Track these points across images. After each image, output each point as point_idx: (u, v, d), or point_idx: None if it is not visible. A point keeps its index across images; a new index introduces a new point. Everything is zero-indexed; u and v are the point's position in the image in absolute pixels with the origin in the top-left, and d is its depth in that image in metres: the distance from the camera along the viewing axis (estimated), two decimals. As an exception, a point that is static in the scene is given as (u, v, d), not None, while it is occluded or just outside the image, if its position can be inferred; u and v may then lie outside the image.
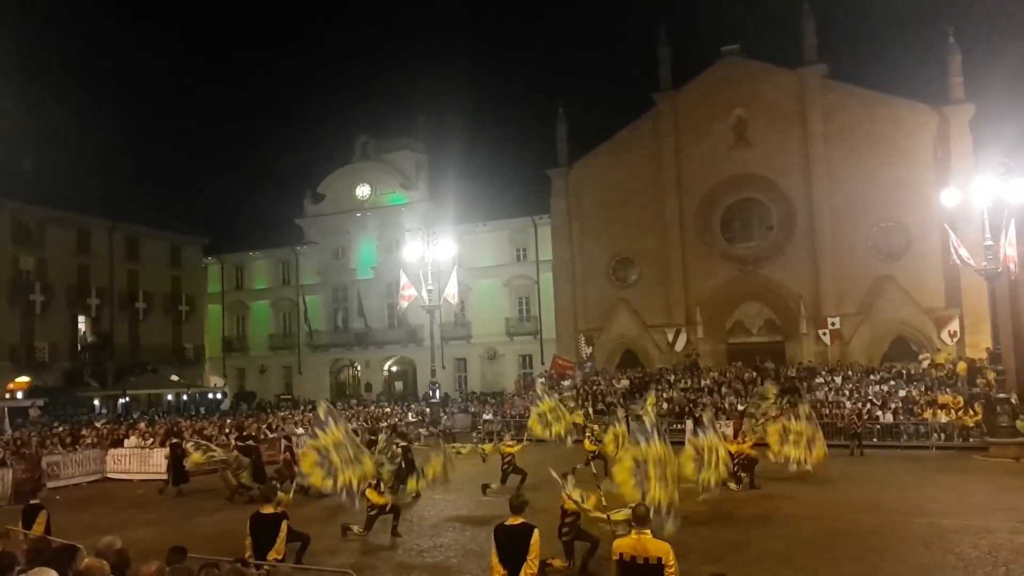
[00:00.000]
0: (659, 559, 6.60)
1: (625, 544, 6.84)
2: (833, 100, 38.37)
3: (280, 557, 9.27)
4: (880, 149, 36.90)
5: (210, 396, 52.52)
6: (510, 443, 20.16)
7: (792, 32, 39.58)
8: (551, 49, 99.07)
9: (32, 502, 11.13)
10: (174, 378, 48.56)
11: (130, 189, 58.14)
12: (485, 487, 18.36)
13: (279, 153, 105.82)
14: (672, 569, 6.58)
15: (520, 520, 7.59)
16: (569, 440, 20.67)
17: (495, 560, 7.39)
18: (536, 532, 7.44)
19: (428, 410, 36.24)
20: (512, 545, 7.36)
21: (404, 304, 36.15)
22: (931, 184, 34.57)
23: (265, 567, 8.77)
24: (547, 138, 45.72)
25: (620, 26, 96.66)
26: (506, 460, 19.49)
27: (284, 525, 9.47)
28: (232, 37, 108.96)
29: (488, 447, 20.79)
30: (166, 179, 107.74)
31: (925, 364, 33.05)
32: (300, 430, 28.95)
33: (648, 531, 6.85)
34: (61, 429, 29.01)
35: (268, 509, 9.57)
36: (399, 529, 14.18)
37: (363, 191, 53.25)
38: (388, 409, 39.13)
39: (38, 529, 10.40)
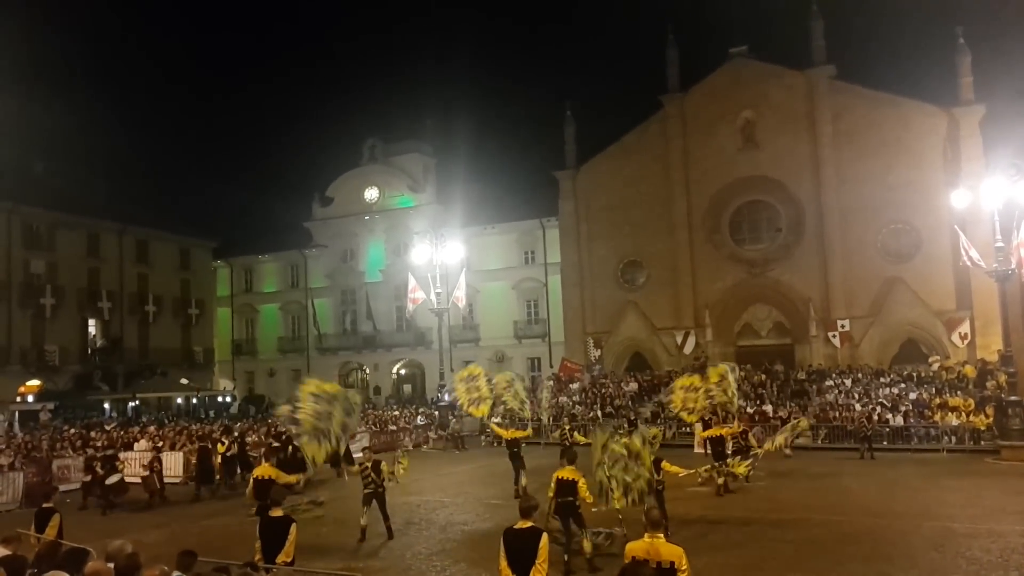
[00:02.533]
0: (672, 563, 6.62)
1: (638, 547, 6.84)
2: (842, 101, 38.25)
3: (289, 560, 9.30)
4: (889, 150, 36.76)
5: (219, 399, 52.69)
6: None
7: (800, 33, 39.55)
8: (559, 51, 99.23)
9: (45, 505, 11.21)
10: (184, 381, 48.76)
11: (139, 193, 58.60)
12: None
13: (288, 157, 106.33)
14: (685, 574, 6.59)
15: (529, 524, 7.56)
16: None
17: (504, 564, 7.34)
18: (545, 536, 7.43)
19: (436, 413, 36.25)
20: (521, 549, 7.32)
21: (412, 307, 36.21)
22: (941, 185, 34.42)
23: (274, 570, 8.80)
24: (555, 140, 45.83)
25: (627, 28, 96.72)
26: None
27: (293, 529, 9.50)
28: (242, 42, 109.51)
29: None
30: (175, 183, 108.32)
31: (936, 366, 32.89)
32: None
33: (661, 535, 6.87)
34: (71, 432, 29.14)
35: (277, 512, 9.61)
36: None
37: (371, 194, 53.37)
38: (397, 412, 39.20)
39: (51, 533, 10.45)
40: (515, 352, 48.51)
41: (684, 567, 6.61)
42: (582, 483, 11.76)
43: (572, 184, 44.22)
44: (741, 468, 16.93)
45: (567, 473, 11.86)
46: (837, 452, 26.02)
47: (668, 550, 6.70)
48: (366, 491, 14.29)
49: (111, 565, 6.47)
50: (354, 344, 53.03)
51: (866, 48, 68.79)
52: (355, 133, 77.38)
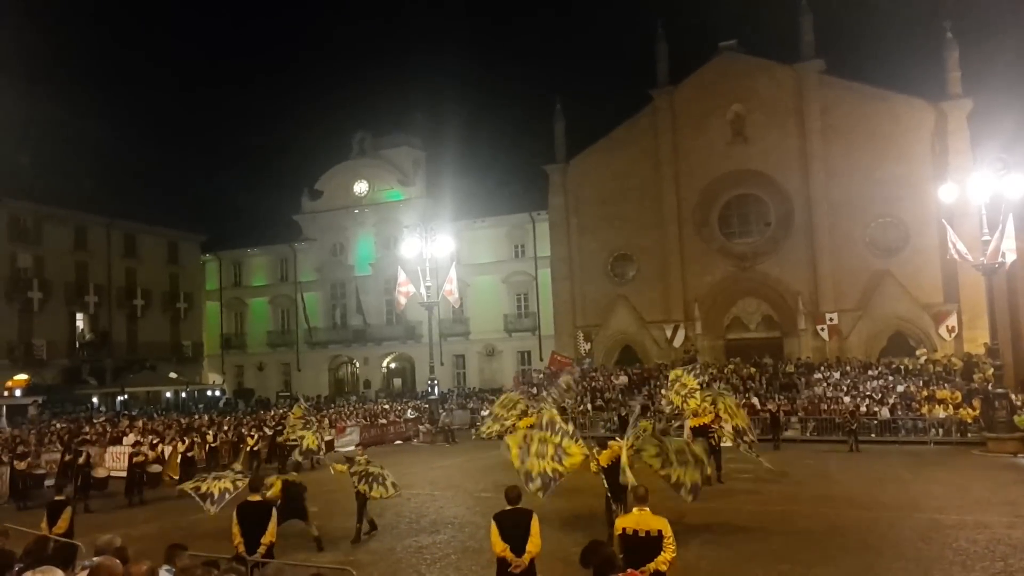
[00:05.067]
0: (659, 531, 7.37)
1: (628, 520, 7.60)
2: (830, 96, 38.34)
3: (273, 540, 9.57)
4: (878, 145, 36.88)
5: (208, 393, 52.51)
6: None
7: (789, 28, 39.55)
8: (549, 45, 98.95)
9: (57, 498, 11.40)
10: (172, 375, 48.54)
11: (127, 186, 57.64)
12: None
13: (277, 150, 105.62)
14: (669, 540, 7.34)
15: (518, 506, 8.25)
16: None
17: (496, 537, 7.96)
18: (535, 515, 8.08)
19: (427, 407, 36.27)
20: (513, 526, 7.99)
21: (402, 301, 36.12)
22: (929, 179, 34.54)
23: (263, 564, 8.84)
24: (545, 134, 45.74)
25: (617, 22, 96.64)
26: None
27: (274, 512, 9.81)
28: (230, 34, 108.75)
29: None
30: (164, 176, 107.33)
31: (923, 359, 33.10)
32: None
33: (647, 508, 7.57)
34: (60, 427, 28.97)
35: (255, 497, 9.98)
36: None
37: (361, 187, 53.22)
38: (387, 406, 39.19)
39: (63, 525, 10.75)
40: (505, 346, 48.56)
41: (669, 535, 7.35)
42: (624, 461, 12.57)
43: (562, 178, 44.19)
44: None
45: (608, 456, 12.61)
46: (825, 444, 26.18)
47: (655, 520, 7.44)
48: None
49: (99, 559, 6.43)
50: (344, 338, 52.95)
51: (855, 43, 68.85)
52: (344, 126, 77.24)
